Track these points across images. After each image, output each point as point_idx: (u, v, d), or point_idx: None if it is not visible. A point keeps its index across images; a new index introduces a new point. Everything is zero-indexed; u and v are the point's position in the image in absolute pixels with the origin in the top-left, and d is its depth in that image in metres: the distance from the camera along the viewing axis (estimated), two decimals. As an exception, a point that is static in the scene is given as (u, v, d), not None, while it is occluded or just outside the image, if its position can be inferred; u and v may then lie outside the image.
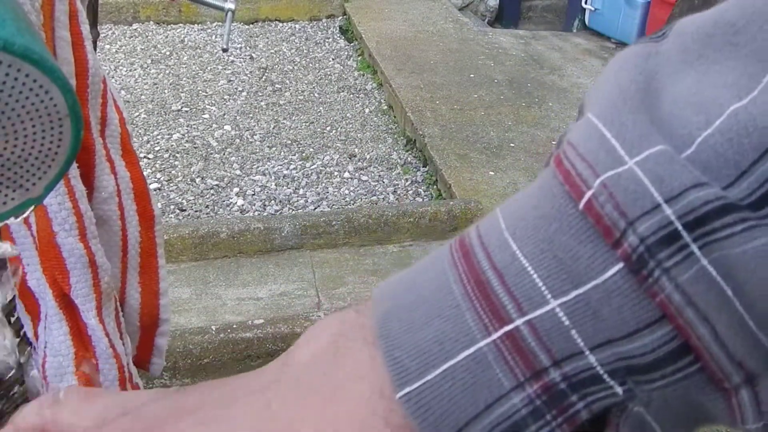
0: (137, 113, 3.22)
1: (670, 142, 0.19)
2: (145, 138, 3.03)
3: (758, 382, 0.19)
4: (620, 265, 0.19)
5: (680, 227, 0.18)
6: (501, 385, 0.19)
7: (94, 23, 0.88)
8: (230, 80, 3.61)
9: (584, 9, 4.34)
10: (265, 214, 2.56)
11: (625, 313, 0.19)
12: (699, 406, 0.20)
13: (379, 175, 2.84)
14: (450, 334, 0.20)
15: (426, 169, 2.87)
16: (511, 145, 2.88)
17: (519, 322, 0.20)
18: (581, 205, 0.20)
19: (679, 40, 0.21)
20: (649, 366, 0.19)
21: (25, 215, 0.34)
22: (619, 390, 0.19)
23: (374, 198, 2.69)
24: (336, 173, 2.83)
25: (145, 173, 0.82)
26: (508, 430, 0.19)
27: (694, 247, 0.18)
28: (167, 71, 3.69)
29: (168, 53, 3.91)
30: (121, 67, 3.69)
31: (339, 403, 0.21)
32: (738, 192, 0.19)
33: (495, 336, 0.20)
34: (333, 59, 3.93)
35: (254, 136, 3.09)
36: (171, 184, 2.72)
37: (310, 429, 0.21)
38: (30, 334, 0.70)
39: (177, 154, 2.93)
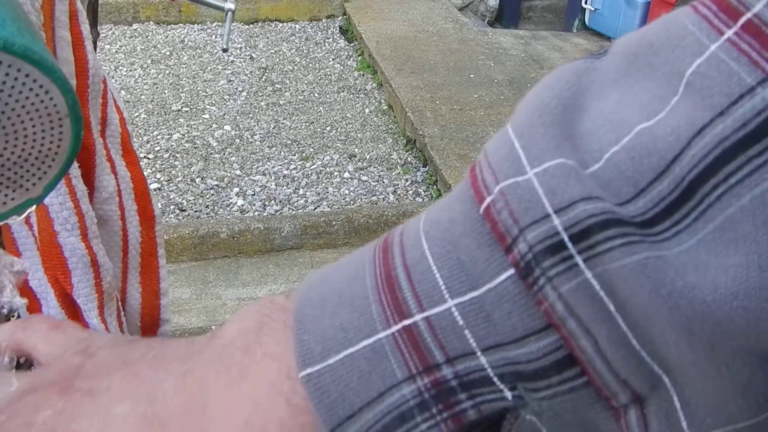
0: (137, 113, 3.22)
1: (579, 157, 0.19)
2: (145, 138, 3.03)
3: (646, 405, 0.19)
4: (511, 271, 0.19)
5: (566, 238, 0.18)
6: (394, 375, 0.20)
7: (94, 23, 0.88)
8: (230, 80, 3.61)
9: (584, 9, 4.34)
10: (265, 214, 2.56)
11: (514, 319, 0.19)
12: (591, 424, 0.20)
13: (379, 175, 2.84)
14: (355, 323, 0.21)
15: (426, 169, 2.87)
16: (511, 145, 2.87)
17: (418, 317, 0.20)
18: (481, 209, 0.20)
19: (613, 58, 0.22)
20: (536, 374, 0.19)
21: (25, 215, 0.34)
22: (508, 395, 0.19)
23: (374, 198, 2.69)
24: (336, 173, 2.83)
25: (145, 173, 0.82)
26: (396, 420, 0.20)
27: (578, 259, 0.18)
28: (167, 71, 3.68)
29: (168, 53, 3.91)
30: (121, 67, 3.69)
31: (248, 381, 0.22)
32: (633, 209, 0.19)
33: (394, 329, 0.20)
34: (333, 59, 3.93)
35: (254, 136, 3.09)
36: (171, 184, 2.72)
37: (217, 404, 0.22)
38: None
39: (177, 154, 2.93)
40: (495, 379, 0.20)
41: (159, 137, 3.05)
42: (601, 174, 0.19)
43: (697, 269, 0.18)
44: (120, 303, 0.78)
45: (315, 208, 2.61)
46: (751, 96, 0.17)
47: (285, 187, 2.73)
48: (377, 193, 2.72)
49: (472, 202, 0.21)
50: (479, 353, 0.20)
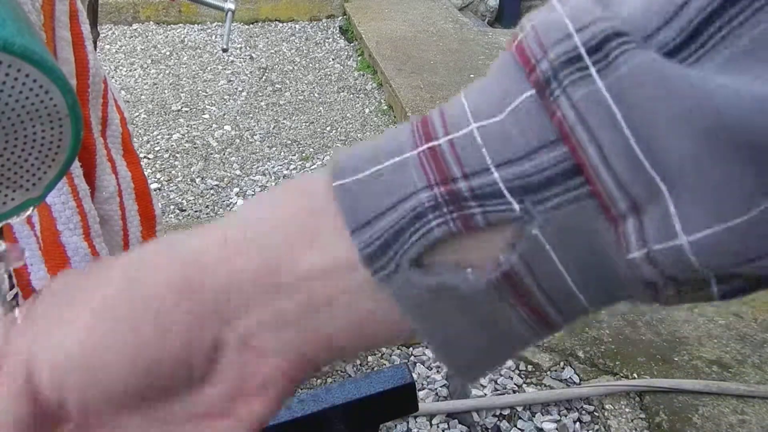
0: (137, 113, 3.22)
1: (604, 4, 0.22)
2: (145, 138, 3.03)
3: (643, 213, 0.20)
4: (531, 91, 0.22)
5: (583, 51, 0.20)
6: (414, 184, 0.22)
7: (94, 23, 0.88)
8: (230, 80, 3.61)
9: (584, 9, 4.33)
10: (265, 214, 2.56)
11: (528, 135, 0.21)
12: (592, 235, 0.21)
13: (380, 175, 2.84)
14: (385, 147, 0.24)
15: (426, 169, 2.87)
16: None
17: (443, 140, 0.23)
18: (513, 47, 0.23)
19: None
20: (543, 184, 0.21)
21: (25, 215, 0.34)
22: (516, 207, 0.21)
23: (374, 198, 2.69)
24: (336, 173, 2.84)
25: (145, 173, 0.82)
26: (411, 220, 0.22)
27: (592, 69, 0.20)
28: (167, 71, 3.69)
29: (168, 53, 3.91)
30: (121, 67, 3.69)
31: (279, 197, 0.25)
32: (655, 41, 0.20)
33: (420, 149, 0.23)
34: (333, 59, 3.93)
35: (254, 136, 3.09)
36: (171, 185, 2.72)
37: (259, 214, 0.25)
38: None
39: (177, 154, 2.93)
40: (505, 192, 0.22)
41: (159, 137, 3.05)
42: (626, 17, 0.21)
43: (708, 75, 0.19)
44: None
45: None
46: None
47: (285, 187, 2.73)
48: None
49: (508, 54, 0.23)
50: (493, 169, 0.22)
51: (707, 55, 0.20)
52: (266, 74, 3.70)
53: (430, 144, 0.23)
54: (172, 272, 0.24)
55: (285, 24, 4.46)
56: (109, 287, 0.25)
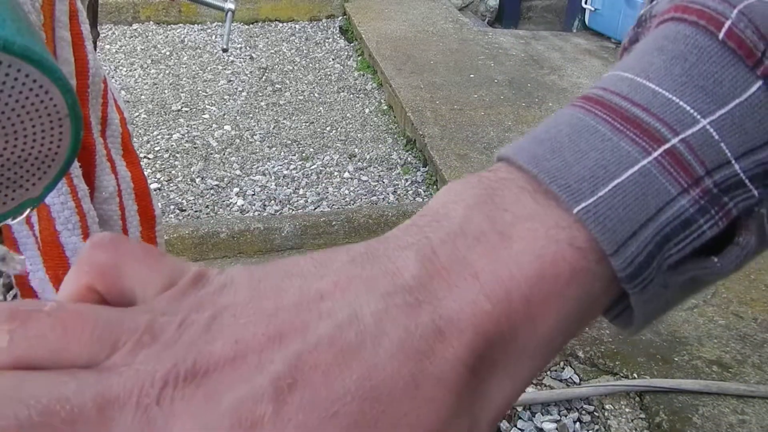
0: (137, 113, 3.22)
1: None
2: (145, 138, 3.03)
3: None
4: (761, 82, 0.22)
5: None
6: (668, 191, 0.22)
7: (94, 23, 0.88)
8: (230, 80, 3.61)
9: (584, 9, 4.33)
10: (265, 214, 2.56)
11: (765, 124, 0.22)
12: None
13: (379, 175, 2.84)
14: (611, 159, 0.22)
15: (426, 169, 2.87)
16: (511, 145, 2.87)
17: (675, 140, 0.22)
18: (722, 34, 0.22)
19: None
20: None
21: (25, 215, 0.34)
22: (755, 192, 0.22)
23: (374, 198, 2.69)
24: (336, 173, 2.83)
25: (145, 173, 0.82)
26: (679, 226, 0.22)
27: None
28: (167, 71, 3.69)
29: (168, 53, 3.91)
30: (121, 67, 3.69)
31: (516, 241, 0.21)
32: None
33: (655, 154, 0.22)
34: (333, 59, 3.93)
35: (254, 136, 3.09)
36: (171, 184, 2.72)
37: (486, 269, 0.21)
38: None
39: (177, 154, 2.93)
40: (747, 181, 0.22)
41: (159, 137, 3.05)
42: None
43: None
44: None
45: (315, 208, 2.61)
46: None
47: (285, 187, 2.73)
48: (377, 193, 2.72)
49: (700, 33, 0.23)
50: (733, 161, 0.22)
51: None
52: (266, 74, 3.70)
53: (665, 147, 0.22)
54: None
55: (285, 24, 4.46)
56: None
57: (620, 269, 0.21)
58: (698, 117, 0.22)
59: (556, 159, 0.22)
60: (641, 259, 0.21)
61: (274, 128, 3.17)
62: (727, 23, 0.22)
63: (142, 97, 3.40)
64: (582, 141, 0.23)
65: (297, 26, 4.43)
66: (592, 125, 0.23)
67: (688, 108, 0.22)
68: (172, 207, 2.59)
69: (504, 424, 1.63)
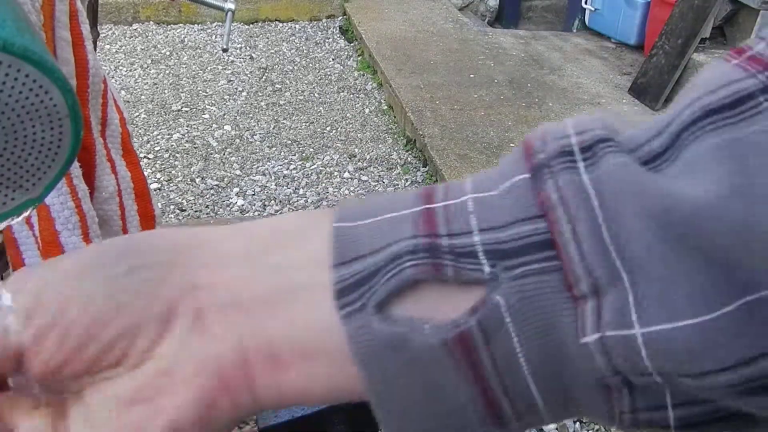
0: (137, 113, 3.22)
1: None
2: (145, 138, 3.03)
3: (603, 297, 0.22)
4: (527, 174, 0.24)
5: (576, 148, 0.23)
6: (403, 233, 0.24)
7: (94, 23, 0.88)
8: (230, 80, 3.61)
9: (584, 9, 4.33)
10: (265, 214, 2.56)
11: (514, 208, 0.24)
12: (550, 311, 0.22)
13: (379, 175, 2.84)
14: (388, 205, 0.26)
15: (426, 169, 2.87)
16: (511, 145, 2.88)
17: (439, 204, 0.25)
18: (521, 144, 0.25)
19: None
20: (516, 251, 0.23)
21: (25, 216, 0.34)
22: (486, 269, 0.23)
23: (374, 198, 2.69)
24: (336, 173, 2.84)
25: (145, 173, 0.82)
26: (389, 259, 0.24)
27: (581, 164, 0.23)
28: (167, 71, 3.69)
29: (168, 53, 3.91)
30: (121, 67, 3.69)
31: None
32: (638, 153, 0.24)
33: (417, 209, 0.25)
34: (333, 59, 3.93)
35: (254, 136, 3.09)
36: (171, 184, 2.72)
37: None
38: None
39: (177, 154, 2.93)
40: (480, 254, 0.23)
41: (159, 137, 3.05)
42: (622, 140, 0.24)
43: (671, 180, 0.22)
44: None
45: (315, 208, 2.61)
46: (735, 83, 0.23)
47: (285, 187, 2.73)
48: (377, 193, 2.72)
49: (514, 149, 0.26)
50: (476, 232, 0.23)
51: (671, 164, 0.23)
52: (266, 74, 3.70)
53: (428, 206, 0.25)
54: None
55: (285, 24, 4.46)
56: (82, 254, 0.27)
57: (333, 282, 0.24)
58: (468, 191, 0.25)
59: (362, 201, 0.27)
60: (352, 280, 0.24)
61: (274, 128, 3.17)
62: (528, 136, 0.26)
63: (142, 97, 3.40)
64: (390, 195, 0.27)
65: (297, 26, 4.43)
66: (405, 195, 0.27)
67: (468, 185, 0.25)
68: (172, 207, 2.59)
69: (504, 424, 1.63)
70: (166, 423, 0.24)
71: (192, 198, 2.64)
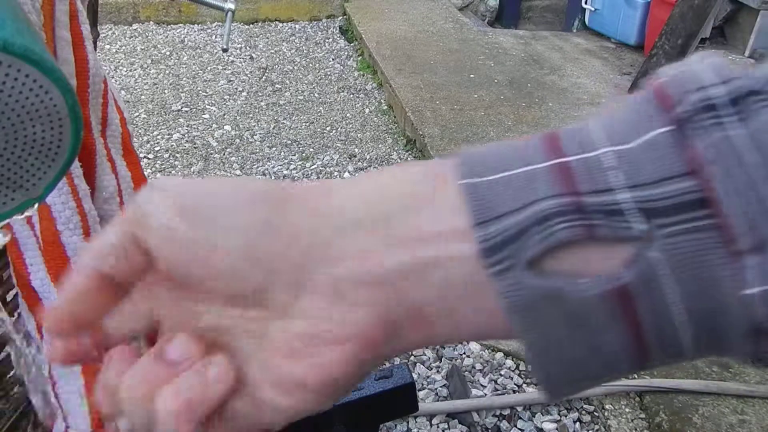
0: (137, 113, 3.22)
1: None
2: (145, 138, 3.03)
3: (766, 253, 0.22)
4: (668, 127, 0.23)
5: (723, 101, 0.23)
6: (542, 192, 0.24)
7: (94, 23, 0.89)
8: (230, 80, 3.61)
9: (584, 9, 4.33)
10: (265, 214, 2.56)
11: (659, 164, 0.23)
12: (706, 266, 0.22)
13: (379, 175, 2.84)
14: (514, 157, 0.25)
15: (426, 169, 2.86)
16: (511, 145, 2.87)
17: (572, 158, 0.24)
18: (651, 89, 0.25)
19: None
20: (668, 210, 0.22)
21: (25, 215, 0.34)
22: (638, 227, 0.23)
23: (374, 198, 2.69)
24: (336, 173, 2.84)
25: (145, 173, 0.82)
26: (534, 222, 0.23)
27: (732, 118, 0.22)
28: (167, 71, 3.69)
29: (168, 53, 3.91)
30: (121, 67, 3.69)
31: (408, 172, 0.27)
32: None
33: (551, 162, 0.24)
34: (333, 59, 3.93)
35: (254, 136, 3.09)
36: (171, 184, 2.72)
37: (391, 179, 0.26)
38: (34, 334, 0.70)
39: (177, 154, 2.93)
40: (630, 212, 0.23)
41: (159, 137, 3.05)
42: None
43: None
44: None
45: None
46: None
47: (285, 187, 2.73)
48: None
49: (641, 94, 0.25)
50: (621, 190, 0.23)
51: None
52: (266, 74, 3.70)
53: (561, 159, 0.24)
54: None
55: (285, 24, 4.46)
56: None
57: (478, 241, 0.24)
58: (603, 143, 0.24)
59: (485, 152, 0.26)
60: (498, 239, 0.24)
61: (274, 128, 3.17)
62: (658, 81, 0.25)
63: (142, 97, 3.40)
64: (508, 144, 0.26)
65: (297, 26, 4.43)
66: (530, 140, 0.26)
67: (600, 135, 0.24)
68: (172, 207, 2.59)
69: (504, 424, 1.63)
70: (320, 377, 0.25)
71: (192, 198, 2.64)
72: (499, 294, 0.24)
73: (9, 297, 0.66)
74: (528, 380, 1.75)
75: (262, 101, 3.41)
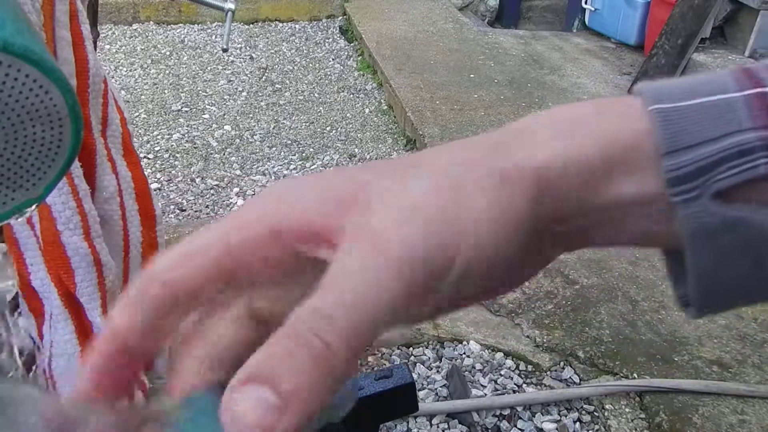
0: (137, 113, 3.22)
1: None
2: (145, 138, 3.03)
3: None
4: None
5: None
6: (740, 124, 0.23)
7: (94, 23, 0.88)
8: (230, 80, 3.61)
9: (584, 9, 4.33)
10: (265, 214, 2.56)
11: None
12: None
13: (379, 175, 2.84)
14: (708, 85, 0.24)
15: (426, 169, 2.86)
16: (511, 145, 2.87)
17: None
18: None
19: None
20: None
21: (25, 215, 0.34)
22: None
23: (374, 198, 2.69)
24: (336, 173, 2.83)
25: (145, 173, 0.82)
26: (735, 154, 0.23)
27: None
28: (167, 71, 3.69)
29: (168, 53, 3.91)
30: (121, 67, 3.69)
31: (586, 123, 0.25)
32: None
33: (747, 92, 0.24)
34: (333, 59, 3.93)
35: (254, 136, 3.09)
36: (171, 184, 2.72)
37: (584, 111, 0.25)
38: (34, 334, 0.70)
39: (177, 154, 2.93)
40: None
41: (159, 137, 3.05)
42: None
43: None
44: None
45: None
46: None
47: (285, 187, 2.73)
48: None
49: None
50: None
51: None
52: (266, 74, 3.70)
53: (759, 90, 0.23)
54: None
55: (285, 24, 4.46)
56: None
57: (667, 170, 0.23)
58: None
59: (668, 82, 0.25)
60: (691, 169, 0.23)
61: (274, 128, 3.17)
62: None
63: (142, 97, 3.40)
64: (689, 77, 0.25)
65: (297, 26, 4.43)
66: (721, 73, 0.25)
67: None
68: (172, 207, 2.59)
69: (504, 424, 1.63)
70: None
71: (192, 198, 2.64)
72: (682, 220, 0.24)
73: (9, 297, 0.66)
74: (528, 380, 1.75)
75: (262, 101, 3.41)
